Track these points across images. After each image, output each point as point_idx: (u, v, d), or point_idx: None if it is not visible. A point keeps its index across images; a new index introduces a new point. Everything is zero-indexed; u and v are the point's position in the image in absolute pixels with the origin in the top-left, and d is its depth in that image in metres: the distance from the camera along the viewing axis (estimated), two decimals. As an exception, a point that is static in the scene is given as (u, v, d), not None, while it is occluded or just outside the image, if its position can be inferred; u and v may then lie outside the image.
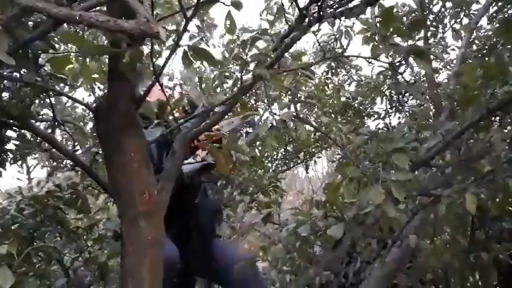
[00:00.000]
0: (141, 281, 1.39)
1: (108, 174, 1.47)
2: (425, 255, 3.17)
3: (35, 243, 2.11)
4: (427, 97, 3.65)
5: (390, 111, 4.37)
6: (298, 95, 4.07)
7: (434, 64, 4.38)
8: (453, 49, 4.58)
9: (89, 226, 2.36)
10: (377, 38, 1.44)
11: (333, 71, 4.47)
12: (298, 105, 4.16)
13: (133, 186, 1.41)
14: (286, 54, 1.60)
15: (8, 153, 1.79)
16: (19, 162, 1.84)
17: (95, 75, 2.27)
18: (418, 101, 4.11)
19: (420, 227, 2.28)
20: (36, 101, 1.63)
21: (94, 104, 1.51)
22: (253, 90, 4.04)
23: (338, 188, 1.40)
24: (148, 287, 1.40)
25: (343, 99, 4.29)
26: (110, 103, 1.37)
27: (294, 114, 1.25)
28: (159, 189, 1.52)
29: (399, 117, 4.34)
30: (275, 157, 4.44)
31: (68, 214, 2.39)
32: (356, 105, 4.35)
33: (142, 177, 1.42)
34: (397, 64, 1.51)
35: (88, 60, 1.92)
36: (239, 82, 1.40)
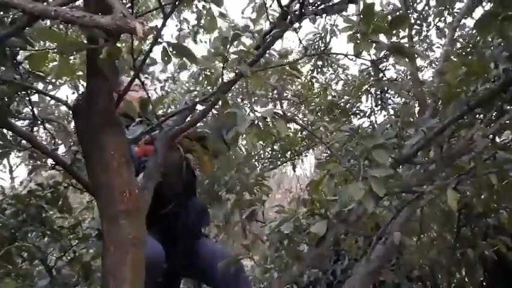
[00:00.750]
0: (123, 280, 1.37)
1: (88, 172, 1.45)
2: (410, 251, 3.19)
3: (17, 243, 2.09)
4: (411, 95, 3.68)
5: (375, 109, 4.39)
6: (285, 94, 4.07)
7: (419, 62, 4.42)
8: (438, 47, 4.62)
9: (73, 225, 2.34)
10: (359, 36, 1.44)
11: (319, 69, 4.48)
12: (285, 103, 4.16)
13: (113, 184, 1.39)
14: (272, 53, 1.60)
15: (-12, 152, 1.76)
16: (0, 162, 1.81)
17: (79, 72, 2.26)
18: (403, 99, 4.14)
19: (405, 224, 2.29)
20: (17, 100, 1.61)
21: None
22: (240, 89, 4.04)
23: (320, 184, 1.40)
24: (129, 286, 1.38)
25: (329, 98, 4.30)
26: (88, 100, 1.36)
27: (275, 111, 1.25)
28: (140, 188, 1.51)
29: (385, 115, 4.37)
30: (262, 156, 4.43)
31: (54, 214, 2.36)
32: (342, 103, 4.36)
33: (123, 176, 1.41)
34: (379, 61, 1.51)
35: (71, 57, 1.90)
36: (220, 79, 1.39)
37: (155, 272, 1.90)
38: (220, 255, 2.02)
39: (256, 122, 1.24)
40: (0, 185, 2.38)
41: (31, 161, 1.91)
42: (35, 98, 1.65)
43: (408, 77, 4.26)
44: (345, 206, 1.58)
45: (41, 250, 2.30)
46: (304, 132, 4.21)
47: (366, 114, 4.40)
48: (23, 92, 1.52)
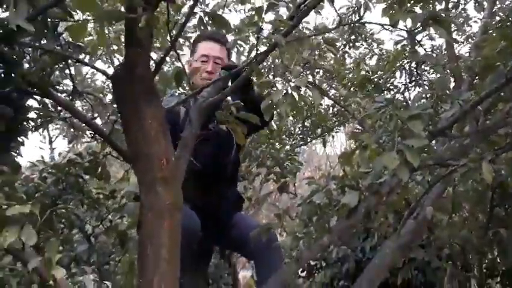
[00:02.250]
0: (160, 245, 1.42)
1: (126, 141, 1.50)
2: (441, 228, 3.16)
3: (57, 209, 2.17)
4: (447, 71, 3.59)
5: (409, 85, 4.31)
6: (316, 70, 4.03)
7: (455, 36, 4.30)
8: (475, 21, 4.48)
9: (110, 192, 2.42)
10: (395, 6, 1.42)
11: (352, 44, 4.40)
12: (317, 77, 4.13)
13: (151, 152, 1.44)
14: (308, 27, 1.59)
15: (30, 122, 1.82)
16: (41, 131, 1.88)
17: (114, 47, 2.30)
18: (438, 74, 4.04)
19: (437, 201, 2.27)
20: (57, 72, 1.66)
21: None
22: (272, 65, 4.02)
23: (352, 156, 1.40)
24: (167, 251, 1.43)
25: (362, 73, 4.23)
26: (127, 70, 1.39)
27: (309, 80, 1.25)
28: (177, 157, 1.55)
29: (419, 92, 4.28)
30: (292, 132, 4.43)
31: (91, 185, 2.44)
32: (375, 79, 4.28)
33: (160, 144, 1.45)
34: (415, 32, 1.49)
35: (106, 30, 1.93)
36: (254, 49, 1.40)
37: (191, 240, 1.95)
38: (252, 225, 2.06)
39: (289, 91, 1.25)
40: (40, 155, 2.47)
41: (71, 131, 1.97)
42: (72, 71, 1.69)
43: (444, 52, 4.15)
44: (378, 178, 1.58)
45: (79, 218, 2.40)
46: (335, 108, 4.18)
47: (400, 90, 4.32)
48: (63, 63, 1.56)
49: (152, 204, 1.44)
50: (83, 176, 2.28)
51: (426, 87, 4.19)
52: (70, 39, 1.57)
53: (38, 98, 1.70)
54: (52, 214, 2.11)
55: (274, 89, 1.40)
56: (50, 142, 5.12)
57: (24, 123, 1.81)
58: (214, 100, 1.66)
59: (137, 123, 1.43)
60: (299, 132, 4.47)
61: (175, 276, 1.45)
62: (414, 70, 4.02)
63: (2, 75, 1.52)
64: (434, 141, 1.99)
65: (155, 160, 1.43)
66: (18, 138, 1.84)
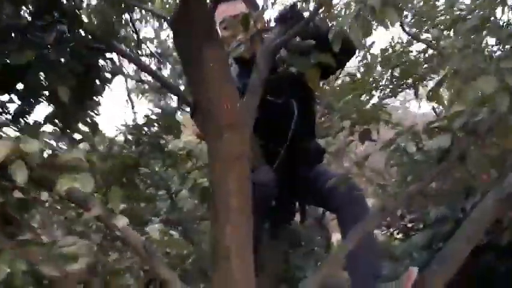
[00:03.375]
0: (228, 192, 1.38)
1: (189, 88, 1.43)
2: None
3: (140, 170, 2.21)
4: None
5: (512, 21, 3.81)
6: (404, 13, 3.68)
7: None
8: None
9: (187, 153, 2.42)
10: None
11: (444, -20, 3.96)
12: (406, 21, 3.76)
13: (214, 99, 1.36)
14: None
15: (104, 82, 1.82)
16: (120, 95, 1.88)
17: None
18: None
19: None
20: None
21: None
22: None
23: (441, 85, 1.21)
24: (236, 200, 1.38)
25: (457, 13, 3.80)
26: (185, 12, 1.31)
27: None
28: (244, 103, 1.46)
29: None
30: (380, 82, 4.12)
31: (170, 145, 2.44)
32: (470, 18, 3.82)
33: (223, 89, 1.36)
34: None
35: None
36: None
37: (266, 196, 1.88)
38: (332, 174, 1.95)
39: (361, 12, 1.09)
40: (124, 119, 2.52)
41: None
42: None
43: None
44: (473, 115, 1.36)
45: (162, 177, 2.43)
46: (428, 54, 3.82)
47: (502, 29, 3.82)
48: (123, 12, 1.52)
49: (219, 152, 1.38)
50: (163, 136, 2.28)
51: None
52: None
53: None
54: (134, 174, 2.14)
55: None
56: (133, 106, 5.29)
57: (97, 82, 1.82)
58: (282, 41, 1.54)
59: (198, 68, 1.35)
60: (387, 83, 4.16)
61: (248, 226, 1.39)
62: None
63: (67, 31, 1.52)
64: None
65: (219, 105, 1.35)
66: (94, 98, 1.87)
